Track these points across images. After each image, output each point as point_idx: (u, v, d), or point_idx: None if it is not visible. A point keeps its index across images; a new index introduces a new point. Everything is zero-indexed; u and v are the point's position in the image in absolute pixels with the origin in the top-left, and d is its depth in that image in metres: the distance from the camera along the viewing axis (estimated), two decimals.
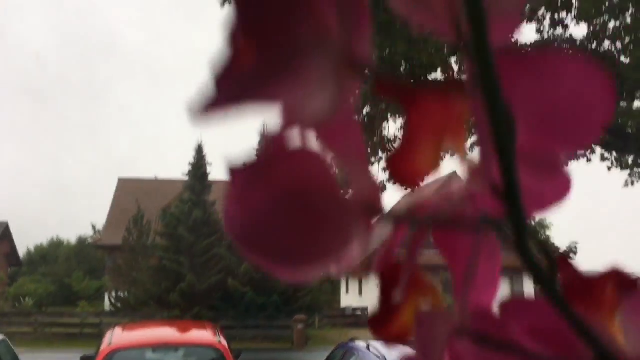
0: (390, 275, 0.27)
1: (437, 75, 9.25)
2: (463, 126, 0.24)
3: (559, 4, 8.62)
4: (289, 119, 0.20)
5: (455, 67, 9.12)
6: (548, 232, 40.70)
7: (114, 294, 25.91)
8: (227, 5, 9.16)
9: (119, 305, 24.92)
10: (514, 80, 0.21)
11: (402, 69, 9.21)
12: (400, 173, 0.24)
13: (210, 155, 25.29)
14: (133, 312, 22.46)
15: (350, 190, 0.23)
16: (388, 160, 0.23)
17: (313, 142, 0.21)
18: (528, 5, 8.19)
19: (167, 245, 23.95)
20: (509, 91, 0.20)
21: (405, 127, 0.23)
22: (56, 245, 44.06)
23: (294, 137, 0.21)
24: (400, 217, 0.25)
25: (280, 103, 0.20)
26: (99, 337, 16.21)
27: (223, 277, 23.23)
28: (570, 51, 0.22)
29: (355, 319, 26.07)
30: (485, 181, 0.22)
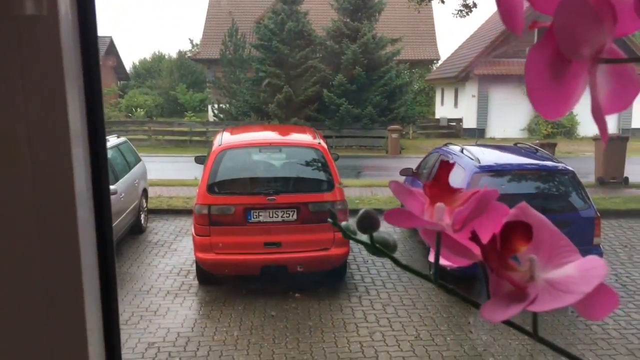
0: None
1: None
2: None
3: None
4: None
5: None
6: None
7: (216, 105, 27.34)
8: None
9: (221, 116, 26.40)
10: None
11: None
12: None
13: None
14: (235, 122, 23.77)
15: None
16: None
17: None
18: None
19: (263, 58, 24.37)
20: None
21: None
22: (158, 59, 45.90)
23: None
24: None
25: None
26: (206, 143, 17.37)
27: (318, 89, 23.69)
28: None
29: (450, 130, 26.25)
30: None
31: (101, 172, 0.65)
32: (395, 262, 0.46)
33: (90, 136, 0.63)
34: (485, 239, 0.42)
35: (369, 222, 0.44)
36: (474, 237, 0.41)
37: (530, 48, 0.40)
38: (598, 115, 0.41)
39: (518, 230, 0.41)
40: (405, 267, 0.46)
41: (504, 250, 0.41)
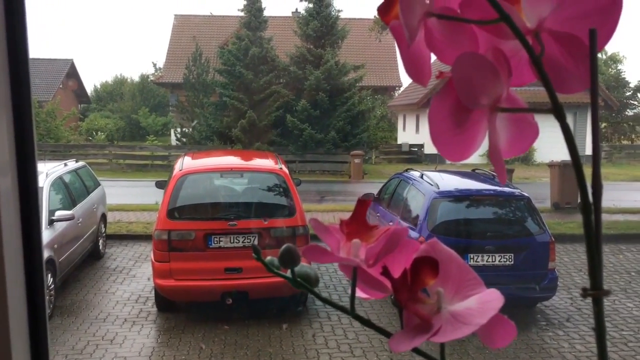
0: None
1: None
2: None
3: None
4: None
5: None
6: (620, 66, 38.76)
7: (179, 129, 27.14)
8: None
9: (184, 140, 26.21)
10: None
11: None
12: None
13: None
14: (198, 146, 23.63)
15: None
16: None
17: None
18: None
19: (226, 83, 24.39)
20: None
21: None
22: (120, 82, 45.48)
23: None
24: None
25: None
26: (168, 168, 17.23)
27: (282, 114, 23.77)
28: None
29: (411, 155, 26.63)
30: None
31: (31, 206, 0.65)
32: (316, 295, 0.48)
33: (19, 169, 0.64)
34: (397, 273, 0.45)
35: (289, 257, 0.47)
36: (385, 272, 0.44)
37: (432, 98, 0.44)
38: (496, 159, 0.44)
39: (426, 265, 0.44)
40: (324, 300, 0.48)
41: (414, 284, 0.44)
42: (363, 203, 0.48)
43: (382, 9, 0.44)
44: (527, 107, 0.46)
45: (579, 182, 0.40)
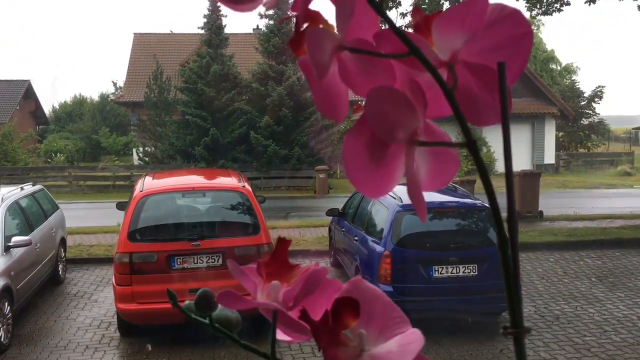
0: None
1: None
2: None
3: None
4: None
5: None
6: (574, 77, 39.90)
7: (141, 149, 26.74)
8: None
9: (147, 159, 25.83)
10: None
11: None
12: None
13: (225, 7, 24.46)
14: (161, 165, 23.32)
15: None
16: None
17: None
18: None
19: (188, 101, 24.19)
20: None
21: None
22: (79, 102, 44.66)
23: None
24: None
25: None
26: (131, 188, 17.02)
27: (245, 131, 23.68)
28: None
29: None
30: None
31: None
32: (235, 341, 0.46)
33: None
34: (319, 314, 0.43)
35: (205, 303, 0.45)
36: (304, 316, 0.42)
37: (346, 133, 0.42)
38: (415, 195, 0.43)
39: (347, 306, 0.42)
40: (244, 346, 0.46)
41: (335, 326, 0.42)
42: (283, 242, 0.46)
43: (293, 43, 0.42)
44: (447, 139, 0.45)
45: (495, 222, 0.39)
